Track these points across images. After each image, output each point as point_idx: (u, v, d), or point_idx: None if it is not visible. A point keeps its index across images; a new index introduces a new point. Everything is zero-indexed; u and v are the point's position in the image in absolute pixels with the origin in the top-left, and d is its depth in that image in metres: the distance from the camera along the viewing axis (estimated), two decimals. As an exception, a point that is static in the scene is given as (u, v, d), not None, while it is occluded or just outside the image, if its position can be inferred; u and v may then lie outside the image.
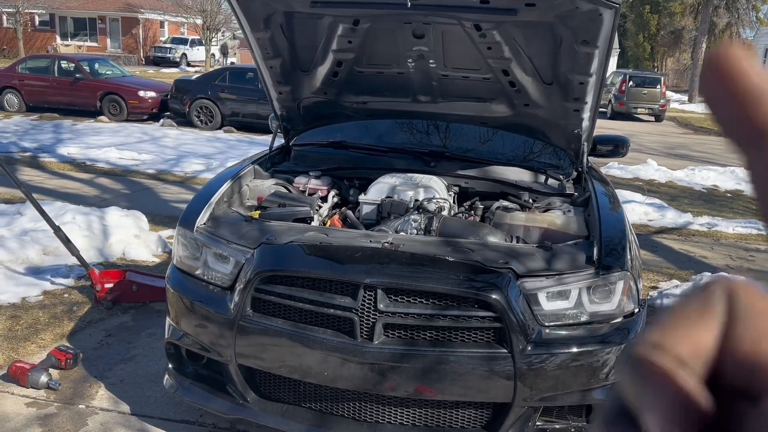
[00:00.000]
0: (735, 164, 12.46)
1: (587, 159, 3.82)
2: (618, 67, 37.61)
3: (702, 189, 10.39)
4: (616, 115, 21.72)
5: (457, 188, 3.78)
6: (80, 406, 3.29)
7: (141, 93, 15.12)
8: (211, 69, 23.29)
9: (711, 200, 9.60)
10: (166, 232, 6.06)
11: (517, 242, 3.08)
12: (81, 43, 37.86)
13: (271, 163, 3.97)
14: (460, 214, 3.55)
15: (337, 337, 2.60)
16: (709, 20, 29.97)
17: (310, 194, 3.67)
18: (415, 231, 3.12)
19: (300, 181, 3.76)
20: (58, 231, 4.43)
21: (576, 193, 3.60)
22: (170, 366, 3.09)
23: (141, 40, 38.59)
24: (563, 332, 2.62)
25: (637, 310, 2.76)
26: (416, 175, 3.63)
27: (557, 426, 2.69)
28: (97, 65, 16.04)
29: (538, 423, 2.66)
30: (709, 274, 5.39)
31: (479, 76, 3.52)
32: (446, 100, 3.85)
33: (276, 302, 2.70)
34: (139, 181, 8.99)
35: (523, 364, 2.52)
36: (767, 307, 0.25)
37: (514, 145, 4.02)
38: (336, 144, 4.09)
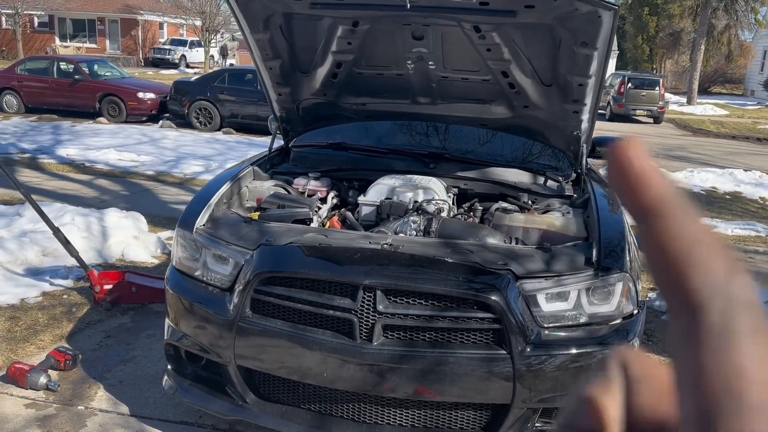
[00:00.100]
0: (733, 166, 12.49)
1: (586, 160, 3.83)
2: (617, 68, 37.62)
3: (700, 191, 10.39)
4: (614, 117, 21.73)
5: (456, 190, 3.78)
6: (79, 407, 3.28)
7: (140, 94, 15.12)
8: (210, 70, 23.29)
9: (710, 202, 9.61)
10: (165, 234, 6.06)
11: (517, 244, 3.08)
12: (80, 45, 37.85)
13: (271, 165, 3.97)
14: (460, 216, 3.55)
15: (336, 338, 2.60)
16: (708, 22, 29.99)
17: (310, 195, 3.67)
18: (415, 232, 3.12)
19: (299, 182, 3.76)
20: (57, 232, 4.43)
21: (575, 195, 3.61)
22: (169, 367, 3.09)
23: (140, 42, 38.60)
24: (562, 333, 2.62)
25: (636, 312, 2.77)
26: (415, 176, 3.63)
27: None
28: (96, 66, 16.04)
29: (537, 424, 2.66)
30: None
31: (478, 77, 3.53)
32: (445, 101, 3.85)
33: (275, 303, 2.71)
34: (138, 182, 8.99)
35: (522, 366, 2.52)
36: (659, 372, 0.28)
37: (513, 146, 4.03)
38: (335, 145, 4.09)
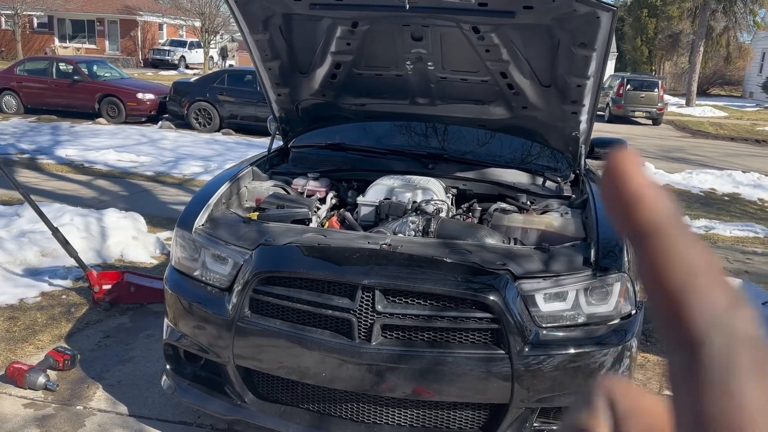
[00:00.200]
0: (732, 168, 12.50)
1: (585, 161, 3.83)
2: (616, 70, 37.66)
3: (699, 192, 10.41)
4: (613, 119, 21.76)
5: (455, 190, 3.79)
6: (78, 407, 3.29)
7: (139, 95, 15.12)
8: (210, 71, 23.31)
9: (708, 203, 9.62)
10: (165, 234, 6.06)
11: (515, 244, 3.09)
12: (79, 46, 37.86)
13: (270, 165, 3.97)
14: (458, 216, 3.56)
15: (335, 338, 2.60)
16: (707, 24, 30.03)
17: (309, 196, 3.68)
18: (413, 232, 3.13)
19: (298, 182, 3.77)
20: (56, 232, 4.43)
21: (574, 195, 3.61)
22: (168, 367, 3.10)
23: (139, 43, 38.61)
24: (560, 333, 2.63)
25: (634, 312, 2.77)
26: (414, 177, 3.64)
27: (554, 427, 2.69)
28: (95, 67, 16.04)
29: (535, 424, 2.67)
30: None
31: (477, 78, 3.54)
32: (444, 102, 3.86)
33: (274, 303, 2.71)
34: (137, 183, 8.99)
35: (521, 366, 2.52)
36: (647, 403, 0.26)
37: (512, 147, 4.03)
38: (334, 146, 4.10)
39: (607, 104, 21.98)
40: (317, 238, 2.87)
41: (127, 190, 8.50)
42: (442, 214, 3.36)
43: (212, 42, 35.04)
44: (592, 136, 3.82)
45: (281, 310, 2.71)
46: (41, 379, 3.37)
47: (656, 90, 21.69)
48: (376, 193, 3.48)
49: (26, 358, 3.70)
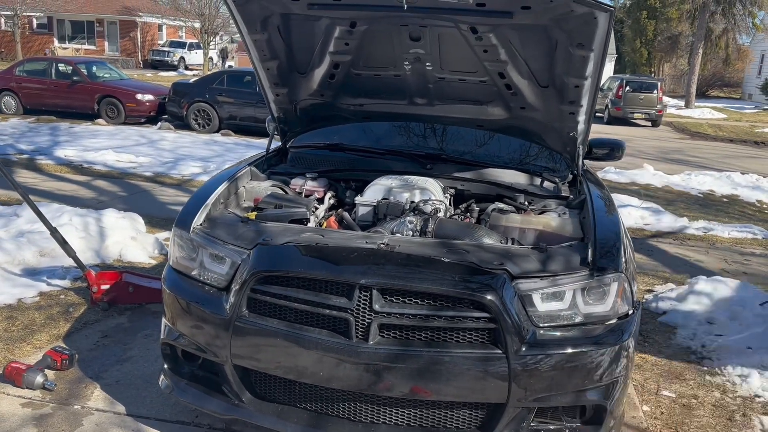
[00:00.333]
0: (731, 169, 12.52)
1: (583, 162, 3.84)
2: (615, 72, 37.72)
3: (698, 194, 10.42)
4: (613, 120, 21.80)
5: (453, 190, 3.79)
6: (76, 406, 3.29)
7: (139, 96, 15.15)
8: (209, 72, 23.31)
9: (707, 205, 9.64)
10: (163, 234, 6.06)
11: (513, 244, 3.09)
12: (79, 46, 37.89)
13: (268, 165, 3.98)
14: (456, 216, 3.56)
15: (332, 337, 2.60)
16: (706, 26, 30.07)
17: (307, 196, 3.68)
18: (411, 232, 3.13)
19: (297, 182, 3.77)
20: (54, 232, 4.44)
21: (571, 196, 3.62)
22: (166, 366, 3.10)
23: (139, 44, 38.63)
24: (558, 333, 2.63)
25: (631, 312, 2.78)
26: (412, 177, 3.64)
27: (551, 427, 2.70)
28: (94, 68, 16.07)
29: (532, 424, 2.67)
30: (705, 277, 5.40)
31: (475, 78, 3.54)
32: (443, 102, 3.86)
33: (272, 303, 2.71)
34: (136, 183, 9.00)
35: (518, 365, 2.53)
36: None
37: (510, 147, 4.04)
38: (333, 146, 4.10)
39: (606, 106, 22.03)
40: (315, 238, 2.88)
41: (126, 191, 8.50)
42: (440, 214, 3.36)
43: (212, 43, 35.07)
44: (590, 137, 3.82)
45: (279, 309, 2.71)
46: (39, 379, 3.37)
47: (655, 92, 21.73)
48: (374, 193, 3.48)
49: (24, 358, 3.70)
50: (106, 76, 16.09)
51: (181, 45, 38.95)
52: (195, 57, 37.58)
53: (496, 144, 4.07)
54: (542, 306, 2.65)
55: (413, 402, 2.67)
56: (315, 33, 3.46)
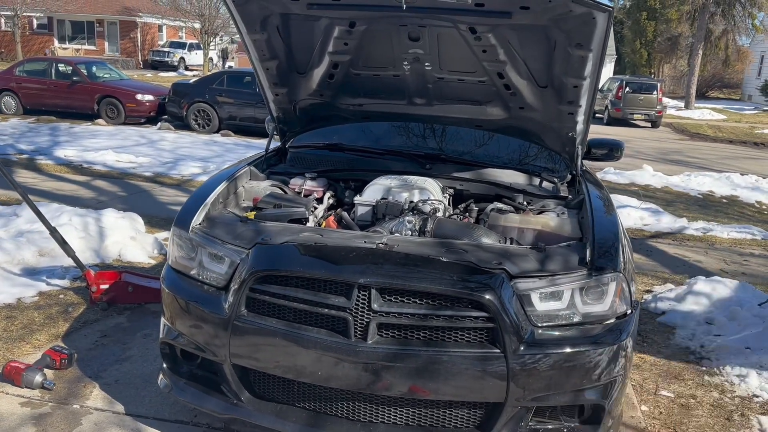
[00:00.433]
0: (730, 170, 12.52)
1: (581, 162, 3.84)
2: (615, 73, 37.73)
3: (697, 194, 10.43)
4: (612, 121, 21.81)
5: (452, 190, 3.79)
6: (74, 405, 3.29)
7: (139, 96, 15.15)
8: (209, 73, 23.31)
9: (706, 205, 9.65)
10: (162, 234, 6.07)
11: (511, 244, 3.09)
12: (79, 47, 37.90)
13: (267, 165, 3.98)
14: (455, 216, 3.57)
15: (331, 336, 2.61)
16: (706, 27, 30.08)
17: (306, 196, 3.68)
18: (410, 232, 3.13)
19: (296, 182, 3.77)
20: (54, 232, 4.44)
21: (570, 196, 3.62)
22: (165, 366, 3.10)
23: (139, 44, 38.64)
24: (556, 333, 2.63)
25: (629, 312, 2.78)
26: (411, 177, 3.65)
27: (550, 426, 2.70)
28: (94, 68, 16.08)
29: (530, 423, 2.67)
30: (703, 278, 5.41)
31: (474, 79, 3.54)
32: (442, 102, 3.86)
33: (270, 302, 2.71)
34: (135, 183, 9.00)
35: (516, 365, 2.53)
36: None
37: (509, 148, 4.04)
38: (332, 146, 4.10)
39: (606, 107, 22.03)
40: (314, 237, 2.88)
41: (126, 191, 8.51)
42: (439, 214, 3.37)
43: (212, 44, 35.07)
44: (589, 138, 3.82)
45: (278, 308, 2.71)
46: (38, 378, 3.38)
47: (655, 93, 21.74)
48: (373, 192, 3.48)
49: (23, 357, 3.70)
50: (106, 76, 16.10)
51: (181, 45, 38.95)
52: (195, 57, 37.59)
53: (495, 144, 4.07)
54: (540, 305, 2.65)
55: (412, 401, 2.67)
56: (314, 33, 3.46)
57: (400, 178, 3.61)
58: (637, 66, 39.91)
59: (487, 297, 2.53)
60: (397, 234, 3.07)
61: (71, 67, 15.56)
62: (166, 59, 36.83)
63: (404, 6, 2.90)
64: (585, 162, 4.04)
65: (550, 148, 3.94)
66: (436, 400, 2.65)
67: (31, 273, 4.92)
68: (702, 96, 36.97)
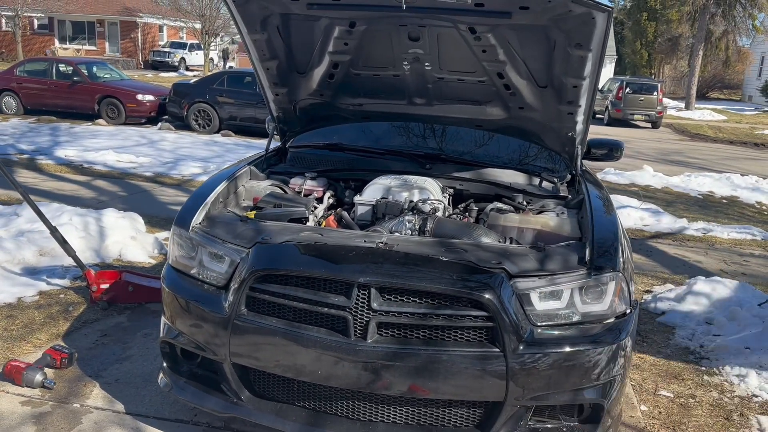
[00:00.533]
0: (730, 171, 12.53)
1: (581, 162, 3.85)
2: (615, 74, 37.71)
3: (698, 195, 10.43)
4: (613, 122, 21.81)
5: (452, 190, 3.80)
6: (75, 405, 3.29)
7: (139, 96, 15.16)
8: (210, 73, 23.33)
9: (706, 206, 9.65)
10: (163, 234, 6.07)
11: (511, 243, 3.10)
12: (79, 47, 37.92)
13: (267, 165, 3.99)
14: (455, 216, 3.57)
15: (330, 335, 2.61)
16: (706, 28, 30.08)
17: (306, 195, 3.69)
18: (410, 231, 3.14)
19: (296, 182, 3.78)
20: (54, 232, 4.44)
21: (570, 196, 3.62)
22: (165, 365, 3.11)
23: (139, 44, 38.66)
24: (555, 332, 2.64)
25: (629, 311, 2.78)
26: (411, 176, 3.65)
27: (549, 425, 2.70)
28: (95, 68, 16.09)
29: (530, 422, 2.67)
30: (703, 278, 5.41)
31: (474, 79, 3.55)
32: (441, 102, 3.87)
33: (270, 301, 2.72)
34: (136, 183, 9.01)
35: (516, 364, 2.53)
36: None
37: (508, 147, 4.05)
38: (332, 146, 4.11)
39: (607, 107, 22.03)
40: (314, 237, 2.88)
41: (126, 191, 8.52)
42: (439, 214, 3.37)
43: (212, 44, 35.08)
44: (589, 138, 3.83)
45: (278, 307, 2.72)
46: (38, 377, 3.38)
47: (655, 93, 21.74)
48: (373, 192, 3.49)
49: (24, 356, 3.71)
50: (106, 76, 16.11)
51: (181, 46, 38.97)
52: (195, 58, 37.60)
53: (494, 144, 4.08)
54: (540, 305, 2.65)
55: (411, 400, 2.68)
56: (314, 33, 3.47)
57: (400, 177, 3.62)
58: (637, 67, 39.90)
59: (487, 296, 2.53)
60: (396, 233, 3.08)
61: (72, 68, 15.57)
62: (167, 59, 36.85)
63: (404, 6, 2.91)
64: (585, 162, 4.05)
65: (550, 148, 3.95)
66: (435, 399, 2.65)
67: (32, 272, 4.92)
68: (702, 97, 36.98)
